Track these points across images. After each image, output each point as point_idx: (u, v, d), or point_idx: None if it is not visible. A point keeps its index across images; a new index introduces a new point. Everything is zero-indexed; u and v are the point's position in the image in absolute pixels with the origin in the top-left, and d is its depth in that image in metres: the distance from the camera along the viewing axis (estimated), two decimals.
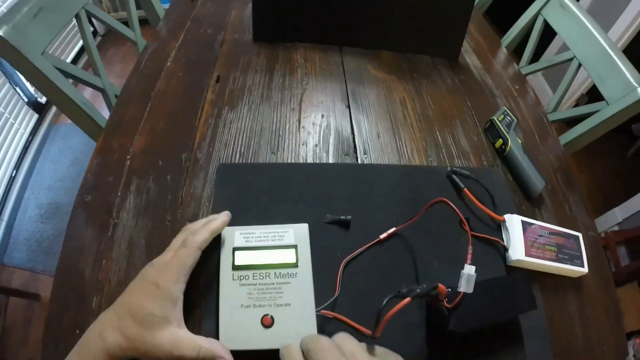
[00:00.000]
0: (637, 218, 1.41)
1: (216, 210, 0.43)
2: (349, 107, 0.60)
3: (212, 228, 0.35)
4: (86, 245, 0.40)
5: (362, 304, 0.37)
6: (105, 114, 0.62)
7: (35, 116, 1.66)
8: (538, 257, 0.42)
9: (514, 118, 0.59)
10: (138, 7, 0.82)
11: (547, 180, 0.54)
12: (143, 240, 0.41)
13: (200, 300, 0.36)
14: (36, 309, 1.22)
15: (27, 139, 1.59)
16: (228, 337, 0.32)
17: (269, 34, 0.70)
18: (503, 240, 0.44)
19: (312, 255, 0.37)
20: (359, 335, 0.30)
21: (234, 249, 0.36)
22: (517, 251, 0.42)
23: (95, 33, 2.09)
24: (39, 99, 1.66)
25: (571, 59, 0.79)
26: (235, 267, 0.35)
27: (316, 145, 0.54)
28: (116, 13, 2.12)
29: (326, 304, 0.36)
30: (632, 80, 0.66)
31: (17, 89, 1.54)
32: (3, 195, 1.40)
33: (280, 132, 0.55)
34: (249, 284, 0.34)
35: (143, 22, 0.84)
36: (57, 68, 0.60)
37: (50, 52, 0.60)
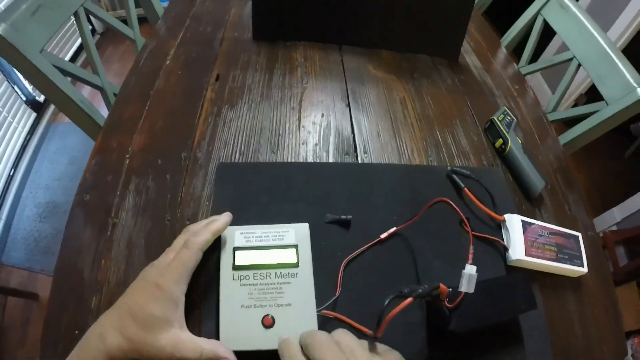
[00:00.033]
0: (635, 218, 1.42)
1: (216, 209, 0.43)
2: (349, 106, 0.60)
3: (214, 229, 0.35)
4: (85, 245, 0.40)
5: (363, 304, 0.37)
6: (104, 112, 0.62)
7: (34, 115, 1.66)
8: (538, 257, 0.42)
9: (514, 118, 0.59)
10: (137, 5, 0.82)
11: (547, 180, 0.54)
12: (142, 240, 0.41)
13: (200, 301, 0.36)
14: (34, 309, 1.21)
15: (25, 138, 1.59)
16: (228, 337, 0.32)
17: (268, 32, 0.70)
18: (503, 240, 0.44)
19: (312, 255, 0.37)
20: (360, 335, 0.30)
21: (235, 249, 0.36)
22: (517, 251, 0.42)
23: (93, 31, 2.08)
24: (37, 98, 1.65)
25: (571, 59, 0.79)
26: (236, 267, 0.35)
27: (316, 144, 0.53)
28: (115, 11, 2.11)
29: (327, 304, 0.35)
30: (631, 80, 0.67)
31: (15, 88, 1.54)
32: (1, 194, 1.40)
33: (280, 131, 0.54)
34: (249, 284, 0.34)
35: (142, 20, 0.84)
36: (55, 66, 0.60)
37: (48, 50, 0.60)
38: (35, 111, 1.66)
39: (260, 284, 0.34)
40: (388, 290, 0.30)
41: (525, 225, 0.44)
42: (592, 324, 0.43)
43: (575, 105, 1.81)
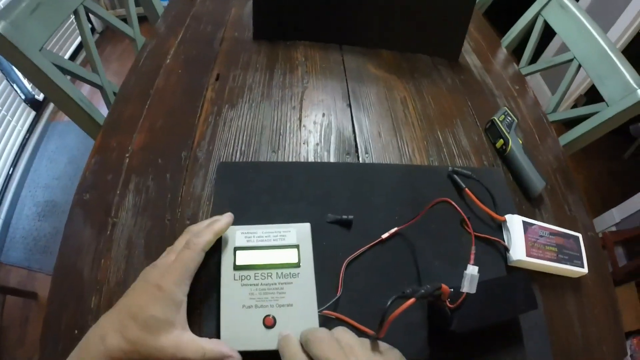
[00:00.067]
0: (634, 218, 1.42)
1: (216, 209, 0.43)
2: (350, 105, 0.60)
3: (216, 229, 0.34)
4: (85, 244, 0.40)
5: (364, 304, 0.37)
6: (103, 111, 0.62)
7: (33, 113, 1.65)
8: (539, 258, 0.43)
9: (515, 118, 0.59)
10: (137, 4, 0.82)
11: (547, 180, 0.54)
12: (142, 239, 0.41)
13: (201, 301, 0.36)
14: (33, 308, 1.21)
15: (24, 137, 1.58)
16: (229, 337, 0.32)
17: (269, 32, 0.70)
18: (504, 241, 0.44)
19: (313, 255, 0.36)
20: (362, 336, 0.30)
21: (236, 249, 0.36)
22: (518, 251, 0.42)
23: (92, 31, 2.08)
24: (36, 96, 1.65)
25: (571, 60, 0.79)
26: (237, 267, 0.35)
27: (317, 144, 0.53)
28: (114, 10, 2.11)
29: (328, 304, 0.35)
30: (631, 81, 0.67)
31: (14, 86, 1.53)
32: (0, 193, 1.39)
33: (281, 131, 0.54)
34: (250, 284, 0.34)
35: (142, 19, 0.83)
36: (55, 65, 0.60)
37: (48, 49, 0.59)
38: (34, 110, 1.65)
39: (261, 284, 0.34)
40: (389, 290, 0.30)
41: (526, 225, 0.44)
42: (592, 324, 0.43)
43: (574, 105, 1.81)
